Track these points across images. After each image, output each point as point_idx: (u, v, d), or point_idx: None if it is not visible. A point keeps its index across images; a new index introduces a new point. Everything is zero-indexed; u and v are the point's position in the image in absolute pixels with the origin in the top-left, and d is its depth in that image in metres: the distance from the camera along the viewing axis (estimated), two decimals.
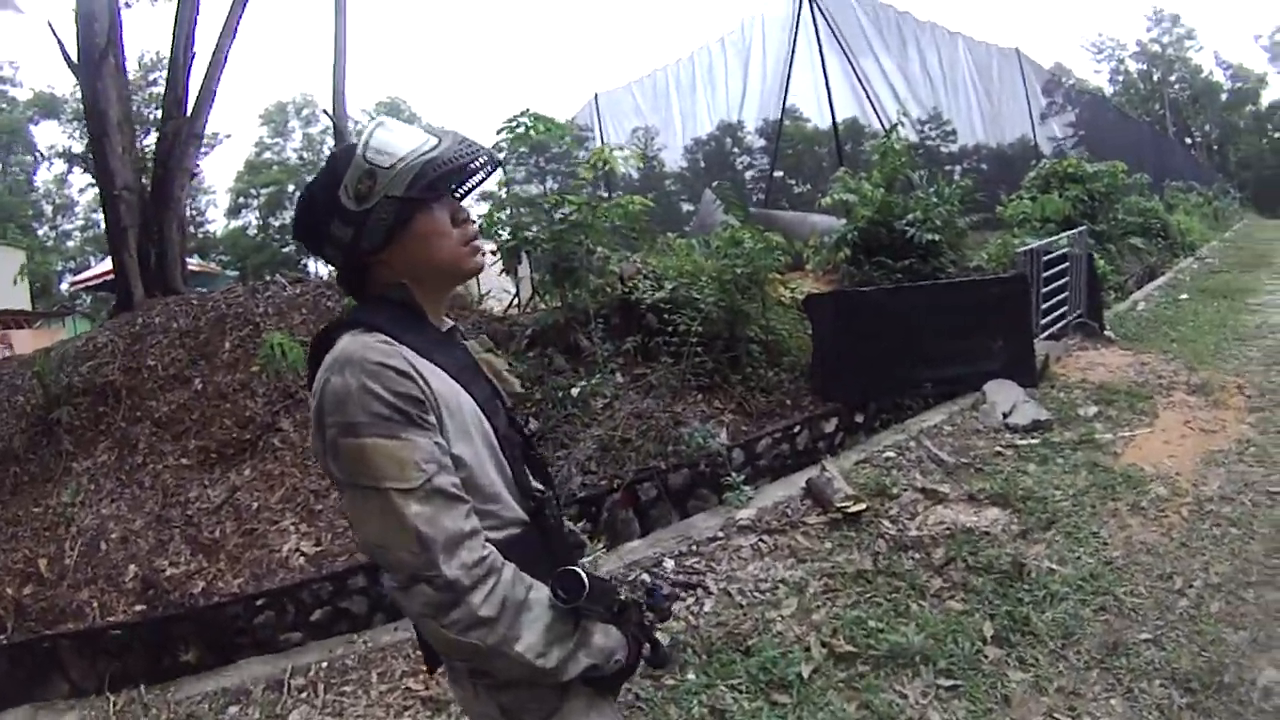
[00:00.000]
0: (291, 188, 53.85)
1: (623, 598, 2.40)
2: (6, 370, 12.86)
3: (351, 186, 2.23)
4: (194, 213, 56.41)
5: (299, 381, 9.58)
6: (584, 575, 2.17)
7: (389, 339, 2.15)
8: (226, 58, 16.13)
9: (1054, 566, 6.02)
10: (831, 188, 13.73)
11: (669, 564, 6.90)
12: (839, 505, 7.05)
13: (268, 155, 57.66)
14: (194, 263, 33.00)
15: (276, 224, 55.69)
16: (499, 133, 10.14)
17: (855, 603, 5.93)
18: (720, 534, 7.20)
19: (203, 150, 53.55)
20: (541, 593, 2.18)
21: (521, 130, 10.05)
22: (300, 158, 52.33)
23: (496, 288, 12.35)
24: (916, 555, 6.40)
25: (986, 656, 5.20)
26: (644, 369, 9.28)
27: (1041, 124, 24.97)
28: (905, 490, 7.38)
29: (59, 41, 15.36)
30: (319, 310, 11.52)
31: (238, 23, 15.16)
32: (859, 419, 9.32)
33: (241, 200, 59.86)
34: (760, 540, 7.03)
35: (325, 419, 2.08)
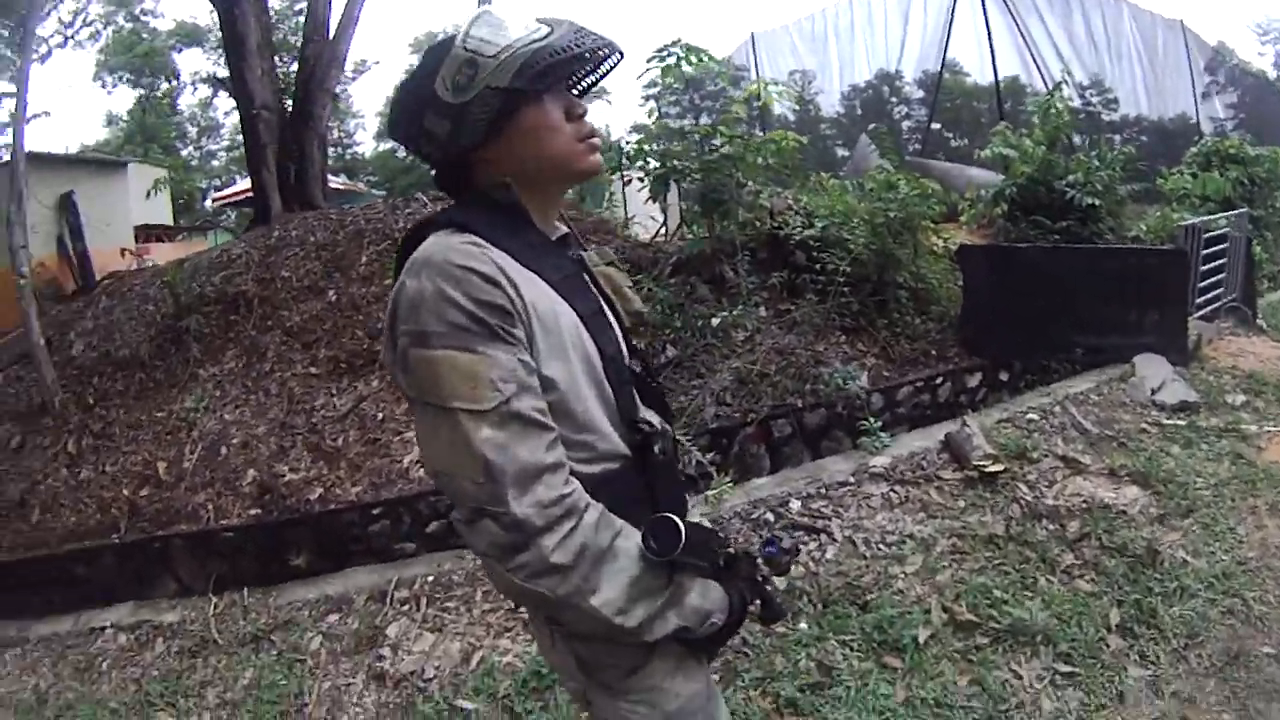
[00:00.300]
0: None
1: (731, 550, 2.17)
2: (138, 280, 13.22)
3: (449, 77, 2.02)
4: (342, 135, 57.76)
5: None
6: (681, 525, 1.89)
7: (479, 240, 1.94)
8: None
9: (1188, 558, 5.71)
10: (991, 141, 13.16)
11: (795, 505, 6.71)
12: (976, 463, 6.80)
13: None
14: (339, 181, 33.98)
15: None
16: (649, 62, 9.89)
17: (982, 568, 5.72)
18: (851, 479, 7.00)
19: (351, 76, 54.36)
20: (630, 541, 1.94)
21: (672, 60, 9.77)
22: None
23: (642, 214, 12.19)
24: (1050, 526, 6.14)
25: (1108, 645, 4.95)
26: (788, 305, 9.06)
27: (1203, 101, 23.96)
28: (1045, 456, 7.06)
29: None
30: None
31: None
32: (1004, 377, 9.00)
33: None
34: (892, 490, 6.83)
35: (397, 326, 1.90)
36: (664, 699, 2.16)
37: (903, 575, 5.74)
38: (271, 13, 22.49)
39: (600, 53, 2.10)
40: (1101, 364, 9.04)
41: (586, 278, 2.26)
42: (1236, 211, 13.19)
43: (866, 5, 22.73)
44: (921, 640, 5.03)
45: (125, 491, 8.42)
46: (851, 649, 5.09)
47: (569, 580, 1.83)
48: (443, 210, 2.14)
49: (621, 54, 2.18)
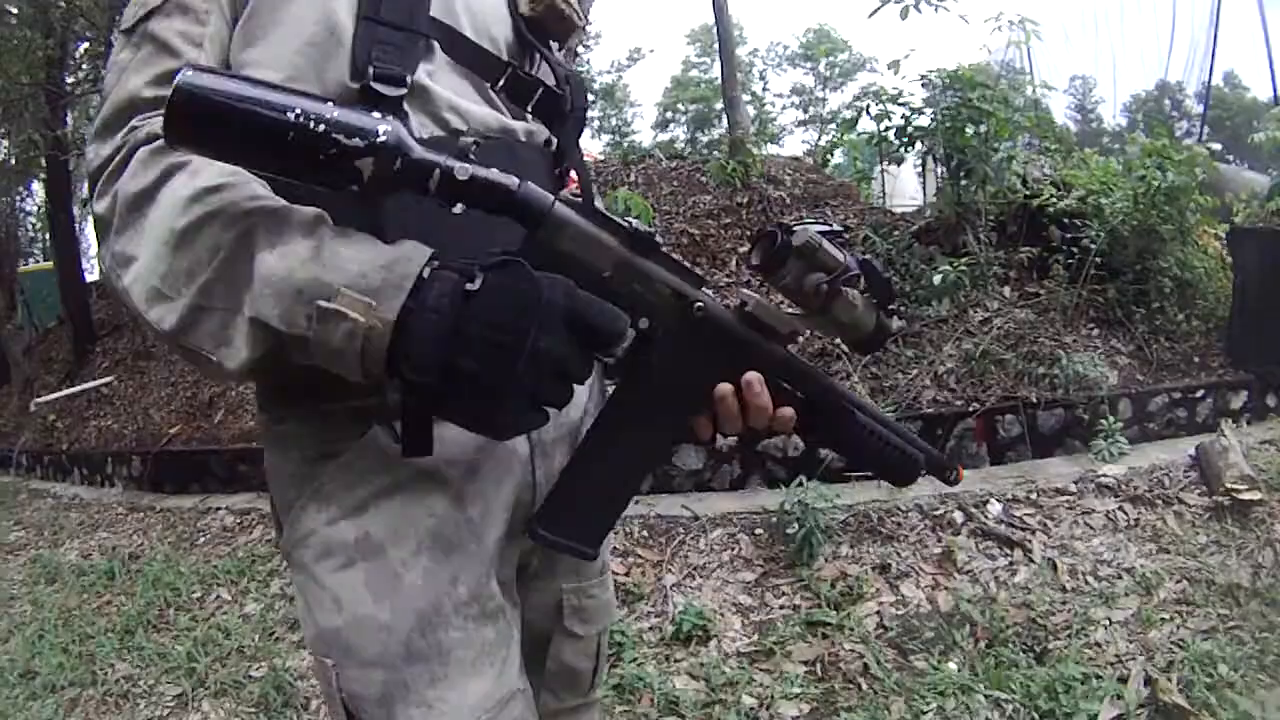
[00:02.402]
0: (719, 105, 54.45)
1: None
2: None
3: None
4: (620, 124, 59.52)
5: None
6: None
7: None
8: None
9: None
10: (1265, 127, 11.45)
11: (994, 508, 5.47)
12: (1229, 486, 5.26)
13: (694, 73, 57.92)
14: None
15: (704, 139, 56.23)
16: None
17: (1211, 629, 4.21)
18: (1073, 487, 5.67)
19: (626, 63, 57.82)
20: (199, 179, 1.11)
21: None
22: None
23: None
24: None
25: None
26: (1037, 288, 7.81)
27: None
28: None
29: None
30: (691, 185, 11.04)
31: None
32: (1271, 401, 7.32)
33: (669, 115, 59.72)
34: (1120, 509, 5.41)
35: None
36: (320, 574, 1.27)
37: (1106, 622, 4.36)
38: None
39: None
40: None
41: None
42: None
43: None
44: None
45: None
46: (1004, 710, 3.77)
47: (109, 243, 1.18)
48: None
49: None
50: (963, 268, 7.34)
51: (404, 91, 1.25)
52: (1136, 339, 7.41)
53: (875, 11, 9.29)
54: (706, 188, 10.84)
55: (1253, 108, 22.36)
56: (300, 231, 1.07)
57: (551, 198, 1.10)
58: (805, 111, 57.89)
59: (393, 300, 1.02)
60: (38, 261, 31.97)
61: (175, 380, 11.83)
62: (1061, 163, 9.53)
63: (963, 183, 8.45)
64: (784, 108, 58.40)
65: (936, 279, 7.21)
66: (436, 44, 1.37)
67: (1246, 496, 5.19)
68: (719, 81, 48.51)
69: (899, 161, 9.26)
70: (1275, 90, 17.98)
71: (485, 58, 1.44)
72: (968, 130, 8.19)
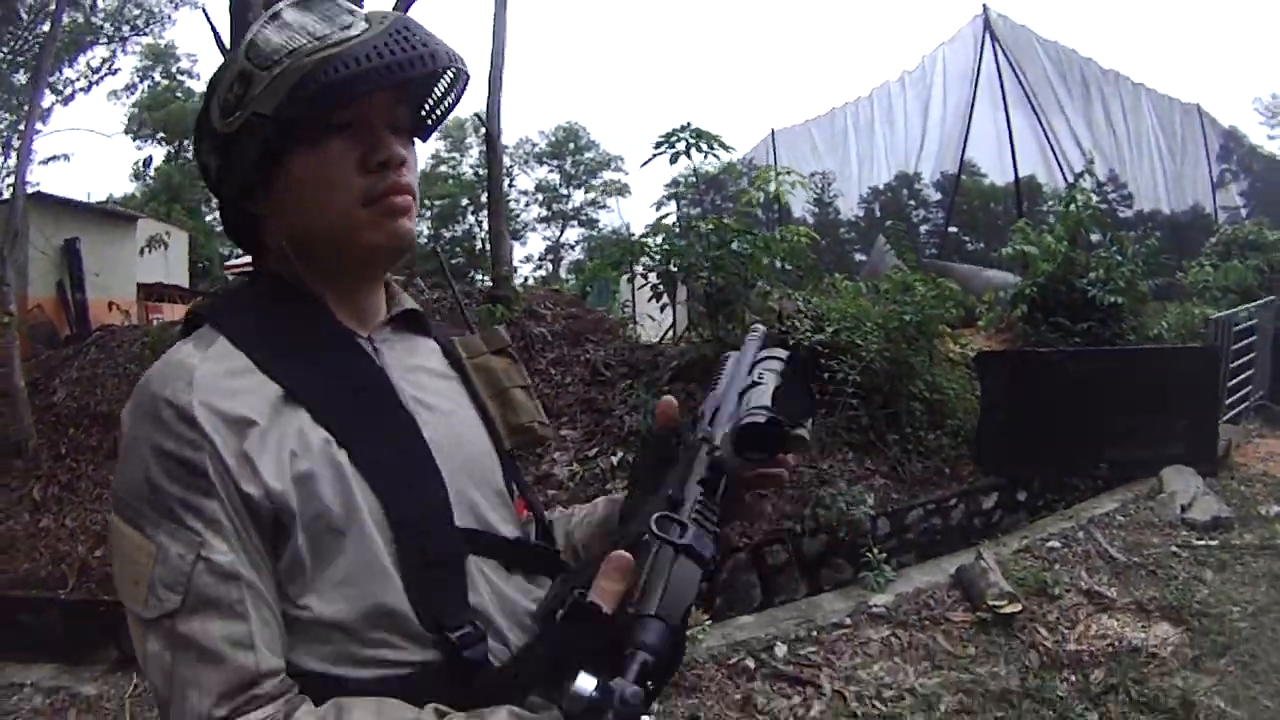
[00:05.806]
0: (465, 201, 53.60)
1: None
2: (130, 337, 13.12)
3: (222, 95, 1.36)
4: None
5: None
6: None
7: (200, 349, 1.30)
8: None
9: (1225, 707, 4.78)
10: (1011, 239, 12.56)
11: (781, 650, 5.85)
12: (991, 603, 5.89)
13: (443, 169, 57.29)
14: None
15: (448, 235, 55.80)
16: (656, 148, 9.24)
17: None
18: (848, 620, 6.15)
19: None
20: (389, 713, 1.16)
21: (682, 146, 9.13)
22: (476, 174, 52.19)
23: (658, 314, 11.85)
24: (1072, 677, 5.19)
25: None
26: None
27: (1217, 188, 23.43)
28: (1068, 591, 6.15)
29: (212, 27, 15.44)
30: (454, 321, 11.06)
31: None
32: (1021, 496, 8.17)
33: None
34: (894, 634, 5.92)
35: None
36: None
37: None
38: None
39: (423, 66, 1.32)
40: (1128, 479, 8.24)
41: (415, 383, 1.50)
42: (1263, 300, 12.43)
43: (886, 98, 21.98)
44: None
45: (80, 549, 8.32)
46: None
47: None
48: (210, 299, 1.47)
49: (464, 71, 1.46)
50: None
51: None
52: (890, 459, 8.07)
53: (647, 162, 9.73)
54: (469, 324, 10.77)
55: (989, 192, 23.68)
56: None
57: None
58: (549, 209, 58.92)
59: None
60: None
61: None
62: (812, 289, 10.25)
63: (721, 320, 8.93)
64: (528, 204, 59.42)
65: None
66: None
67: (1007, 610, 5.82)
68: (468, 178, 48.07)
69: (660, 296, 9.61)
70: (1015, 171, 19.15)
71: (503, 546, 1.48)
72: (730, 272, 8.68)
